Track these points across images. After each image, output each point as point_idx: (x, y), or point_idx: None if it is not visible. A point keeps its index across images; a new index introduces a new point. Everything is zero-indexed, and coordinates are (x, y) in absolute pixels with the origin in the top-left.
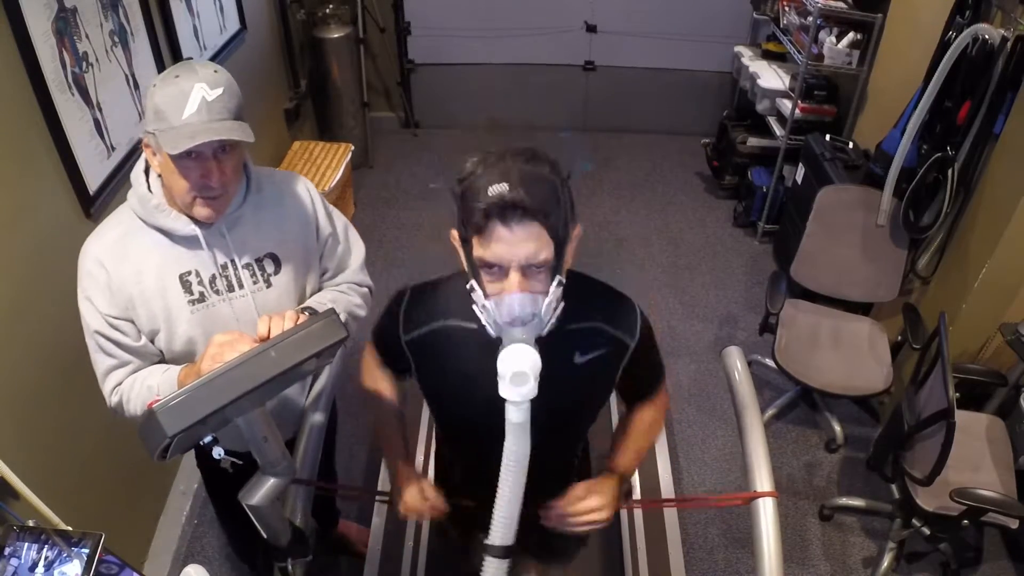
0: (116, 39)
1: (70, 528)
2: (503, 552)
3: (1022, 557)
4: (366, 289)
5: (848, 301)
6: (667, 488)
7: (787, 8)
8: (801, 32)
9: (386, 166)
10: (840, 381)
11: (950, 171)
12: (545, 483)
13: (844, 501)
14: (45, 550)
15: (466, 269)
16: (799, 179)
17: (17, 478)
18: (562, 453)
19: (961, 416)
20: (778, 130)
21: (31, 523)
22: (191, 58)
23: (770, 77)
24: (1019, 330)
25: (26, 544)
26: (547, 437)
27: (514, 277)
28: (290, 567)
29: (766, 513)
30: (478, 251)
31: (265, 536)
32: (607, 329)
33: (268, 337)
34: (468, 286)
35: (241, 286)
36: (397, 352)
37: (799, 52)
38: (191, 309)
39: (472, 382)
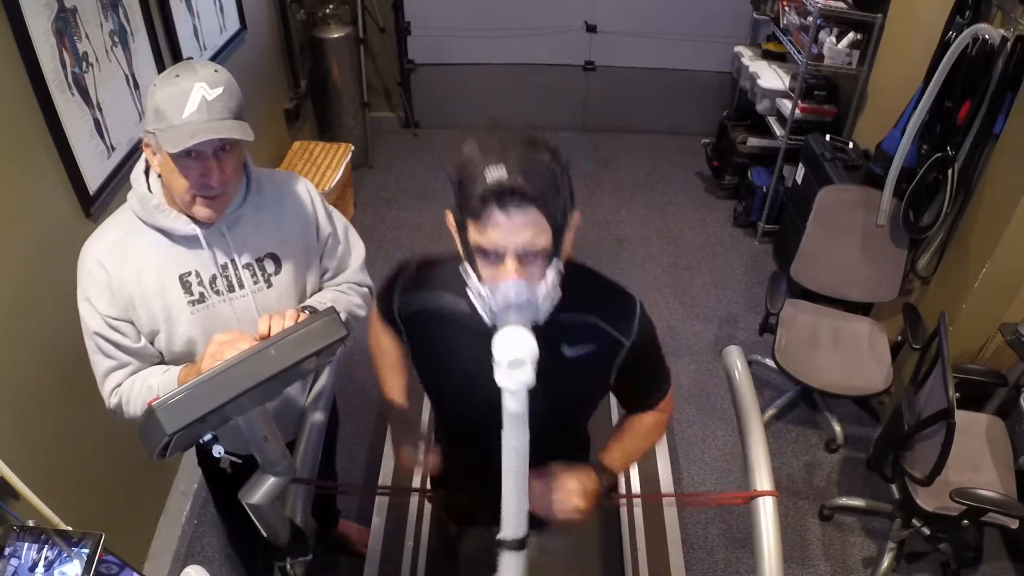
0: (116, 39)
1: (70, 528)
2: (518, 544)
3: (1022, 557)
4: (366, 289)
5: (848, 301)
6: (667, 488)
7: (787, 8)
8: (801, 32)
9: (386, 166)
10: (840, 381)
11: (950, 171)
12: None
13: (844, 501)
14: (45, 550)
15: (461, 254)
16: (799, 179)
17: (17, 478)
18: (554, 449)
19: (961, 416)
20: (778, 130)
21: (31, 523)
22: (191, 58)
23: (770, 77)
24: (1019, 330)
25: (26, 544)
26: (536, 432)
27: (510, 264)
28: (290, 566)
29: (766, 513)
30: (474, 237)
31: (265, 535)
32: (600, 325)
33: (268, 336)
34: (462, 271)
35: (241, 286)
36: (391, 319)
37: (799, 52)
38: (191, 310)
39: (465, 367)
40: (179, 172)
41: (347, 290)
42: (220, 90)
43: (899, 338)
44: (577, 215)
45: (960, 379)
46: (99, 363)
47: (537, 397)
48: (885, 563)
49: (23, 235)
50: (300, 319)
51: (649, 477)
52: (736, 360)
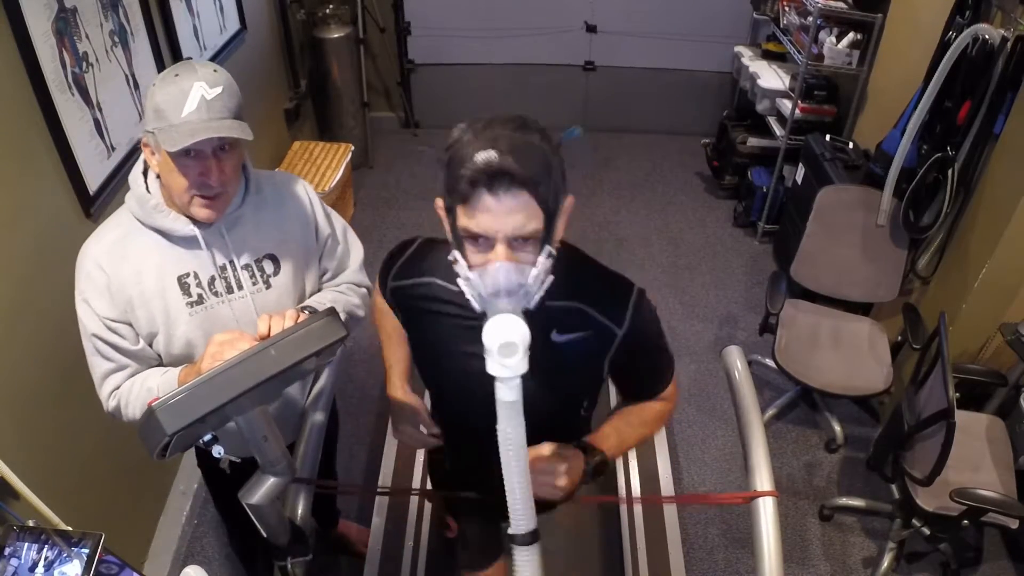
0: (116, 39)
1: (70, 528)
2: (530, 538)
3: (1022, 557)
4: (365, 290)
5: (848, 301)
6: (667, 488)
7: (787, 8)
8: (801, 32)
9: (386, 166)
10: (840, 381)
11: (950, 171)
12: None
13: (844, 501)
14: (45, 550)
15: (450, 240)
16: (799, 179)
17: (17, 478)
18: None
19: (961, 416)
20: (778, 130)
21: (31, 523)
22: (190, 58)
23: (770, 77)
24: (1019, 330)
25: (26, 544)
26: (531, 422)
27: (500, 250)
28: (290, 566)
29: (766, 513)
30: (463, 221)
31: (265, 535)
32: (591, 312)
33: (268, 336)
34: (451, 257)
35: (240, 287)
36: (385, 294)
37: (799, 52)
38: (190, 311)
39: (457, 356)
40: (178, 172)
41: (346, 290)
42: (219, 89)
43: (899, 338)
44: (571, 199)
45: (960, 379)
46: (97, 365)
47: (528, 384)
48: (885, 563)
49: (23, 235)
50: (300, 319)
51: (649, 477)
52: (736, 360)
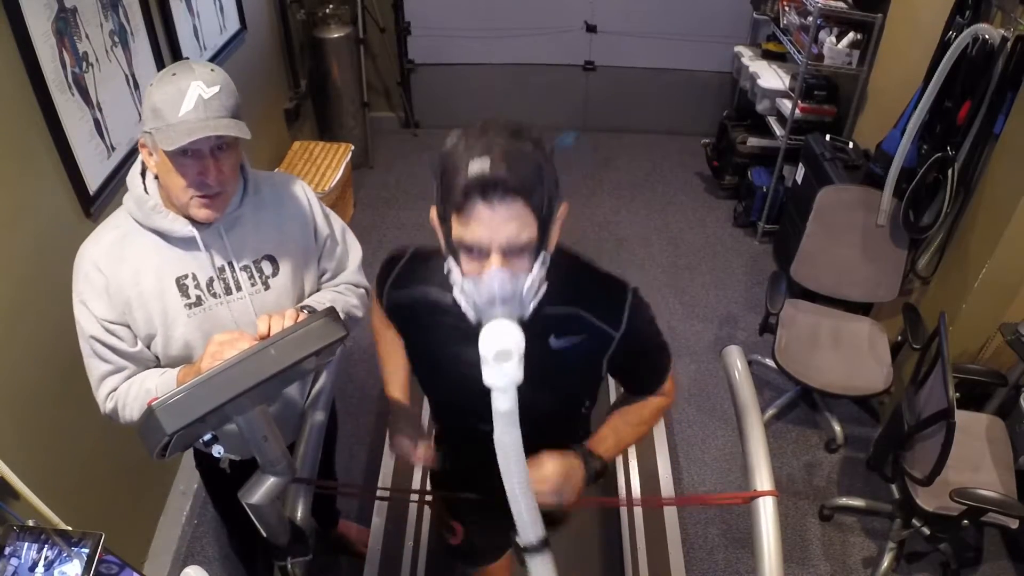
0: (116, 39)
1: (70, 528)
2: (540, 546)
3: (1022, 557)
4: (363, 290)
5: (848, 301)
6: (667, 488)
7: (787, 8)
8: (801, 32)
9: (386, 166)
10: (840, 381)
11: (950, 171)
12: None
13: (844, 501)
14: (45, 550)
15: (444, 250)
16: (799, 179)
17: (17, 478)
18: (552, 443)
19: (961, 416)
20: (778, 130)
21: (31, 523)
22: (188, 58)
23: (770, 77)
24: (1019, 330)
25: (26, 544)
26: (527, 432)
27: (495, 259)
28: (290, 566)
29: (766, 513)
30: (457, 231)
31: (265, 535)
32: (587, 317)
33: (268, 335)
34: (445, 269)
35: (239, 289)
36: (383, 307)
37: (799, 52)
38: (188, 313)
39: (454, 365)
40: (176, 171)
41: (345, 291)
42: (217, 88)
43: (899, 338)
44: (565, 206)
45: (960, 379)
46: (94, 367)
47: (526, 391)
48: (885, 563)
49: (23, 235)
50: (299, 319)
51: (649, 476)
52: (736, 360)
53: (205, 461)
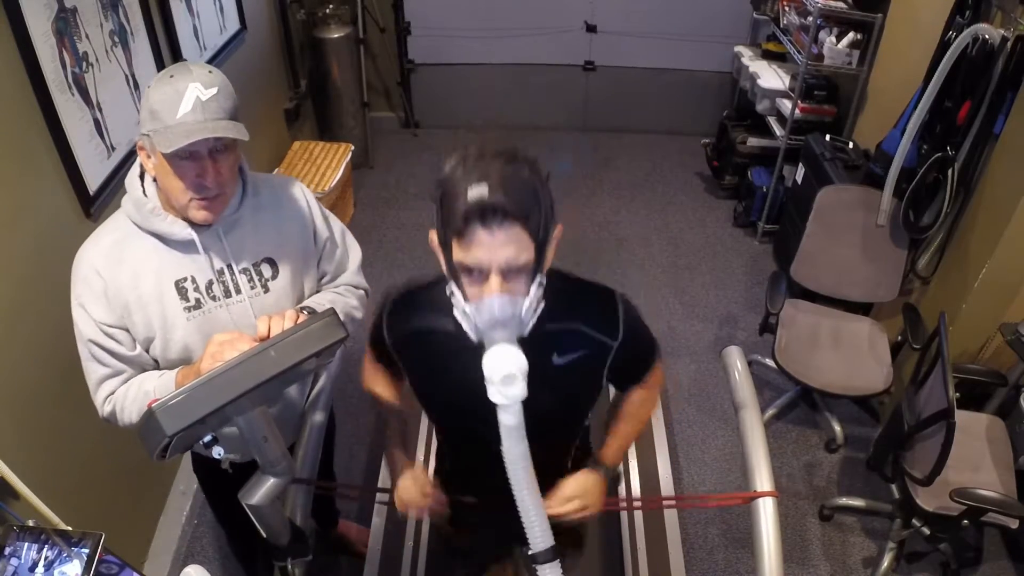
0: (116, 39)
1: (70, 528)
2: (550, 555)
3: (1022, 557)
4: (363, 291)
5: (848, 301)
6: (667, 488)
7: (787, 8)
8: (801, 32)
9: (386, 166)
10: (840, 381)
11: (950, 171)
12: (541, 484)
13: (844, 501)
14: (45, 550)
15: (446, 273)
16: (799, 179)
17: (17, 478)
18: (553, 455)
19: (961, 416)
20: (778, 130)
21: (31, 523)
22: (186, 60)
23: (770, 77)
24: (1019, 330)
25: (26, 544)
26: (534, 441)
27: (494, 281)
28: (290, 567)
29: (766, 513)
30: (458, 255)
31: (265, 536)
32: (587, 331)
33: (268, 337)
34: (448, 292)
35: (238, 292)
36: (388, 356)
37: (799, 52)
38: (187, 316)
39: (459, 385)
40: (175, 174)
41: (344, 292)
42: (215, 90)
43: (899, 338)
44: (560, 227)
45: (960, 379)
46: (93, 371)
47: (532, 407)
48: (885, 563)
49: (23, 235)
50: (299, 320)
51: (649, 476)
52: (736, 360)
53: (203, 466)
